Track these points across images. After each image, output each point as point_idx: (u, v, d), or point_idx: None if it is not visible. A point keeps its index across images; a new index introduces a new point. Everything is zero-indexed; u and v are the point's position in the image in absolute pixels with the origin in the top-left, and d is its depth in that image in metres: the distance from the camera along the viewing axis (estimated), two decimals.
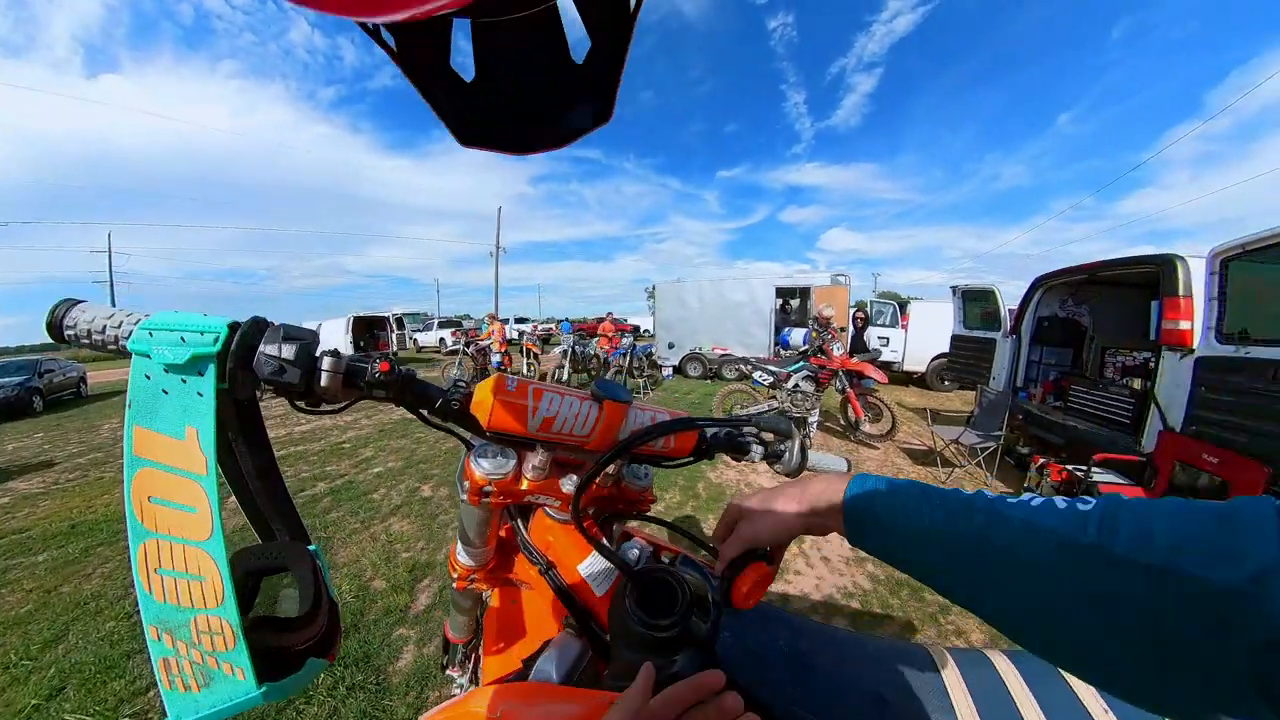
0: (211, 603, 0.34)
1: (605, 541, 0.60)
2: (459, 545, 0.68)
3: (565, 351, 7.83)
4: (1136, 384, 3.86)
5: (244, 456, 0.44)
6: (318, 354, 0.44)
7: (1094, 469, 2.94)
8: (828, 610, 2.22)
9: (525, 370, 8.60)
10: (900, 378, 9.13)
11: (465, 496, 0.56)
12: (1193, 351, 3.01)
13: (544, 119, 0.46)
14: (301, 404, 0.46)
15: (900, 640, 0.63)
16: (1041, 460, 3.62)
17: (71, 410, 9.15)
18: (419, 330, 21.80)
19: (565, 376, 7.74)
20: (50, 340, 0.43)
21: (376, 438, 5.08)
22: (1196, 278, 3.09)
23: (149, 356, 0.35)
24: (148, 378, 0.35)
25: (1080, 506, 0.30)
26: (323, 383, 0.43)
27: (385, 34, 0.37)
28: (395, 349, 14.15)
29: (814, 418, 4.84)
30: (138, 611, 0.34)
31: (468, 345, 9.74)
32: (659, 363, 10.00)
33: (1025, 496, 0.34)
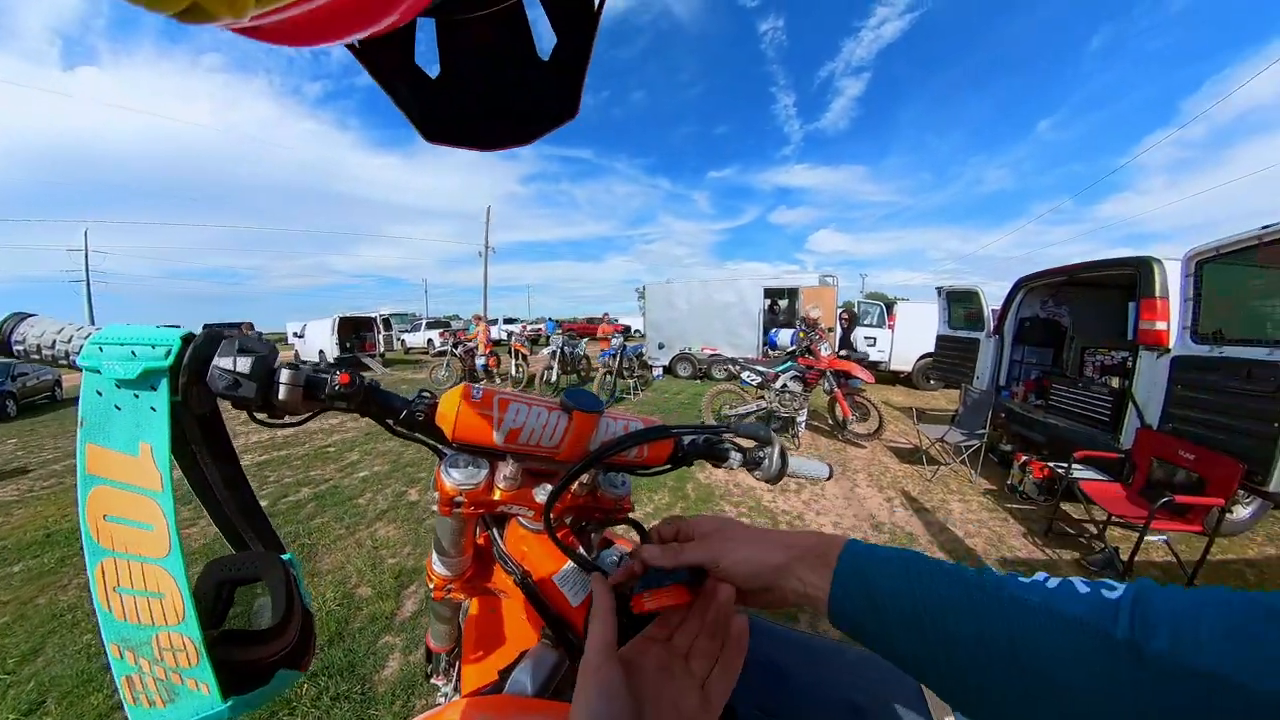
0: (172, 619, 0.33)
1: (582, 550, 0.59)
2: (435, 555, 0.67)
3: (554, 352, 7.80)
4: (1115, 383, 3.95)
5: (210, 468, 0.43)
6: (276, 365, 0.43)
7: (1075, 466, 3.00)
8: (812, 614, 2.24)
9: (514, 371, 8.55)
10: (887, 377, 9.25)
11: (436, 507, 0.55)
12: (1169, 351, 3.09)
13: (509, 115, 0.45)
14: (262, 417, 0.45)
15: None
16: (1024, 458, 3.69)
17: (46, 415, 8.89)
18: (407, 331, 21.54)
19: (554, 378, 7.71)
20: None
21: (362, 441, 5.00)
22: (1172, 279, 3.17)
23: (99, 372, 0.34)
24: (99, 394, 0.34)
25: (1106, 593, 0.27)
26: (280, 396, 0.42)
27: None
28: (382, 350, 13.95)
29: (802, 417, 4.89)
30: (98, 629, 0.33)
31: (455, 346, 9.66)
32: (649, 363, 10.02)
33: (1039, 576, 0.30)
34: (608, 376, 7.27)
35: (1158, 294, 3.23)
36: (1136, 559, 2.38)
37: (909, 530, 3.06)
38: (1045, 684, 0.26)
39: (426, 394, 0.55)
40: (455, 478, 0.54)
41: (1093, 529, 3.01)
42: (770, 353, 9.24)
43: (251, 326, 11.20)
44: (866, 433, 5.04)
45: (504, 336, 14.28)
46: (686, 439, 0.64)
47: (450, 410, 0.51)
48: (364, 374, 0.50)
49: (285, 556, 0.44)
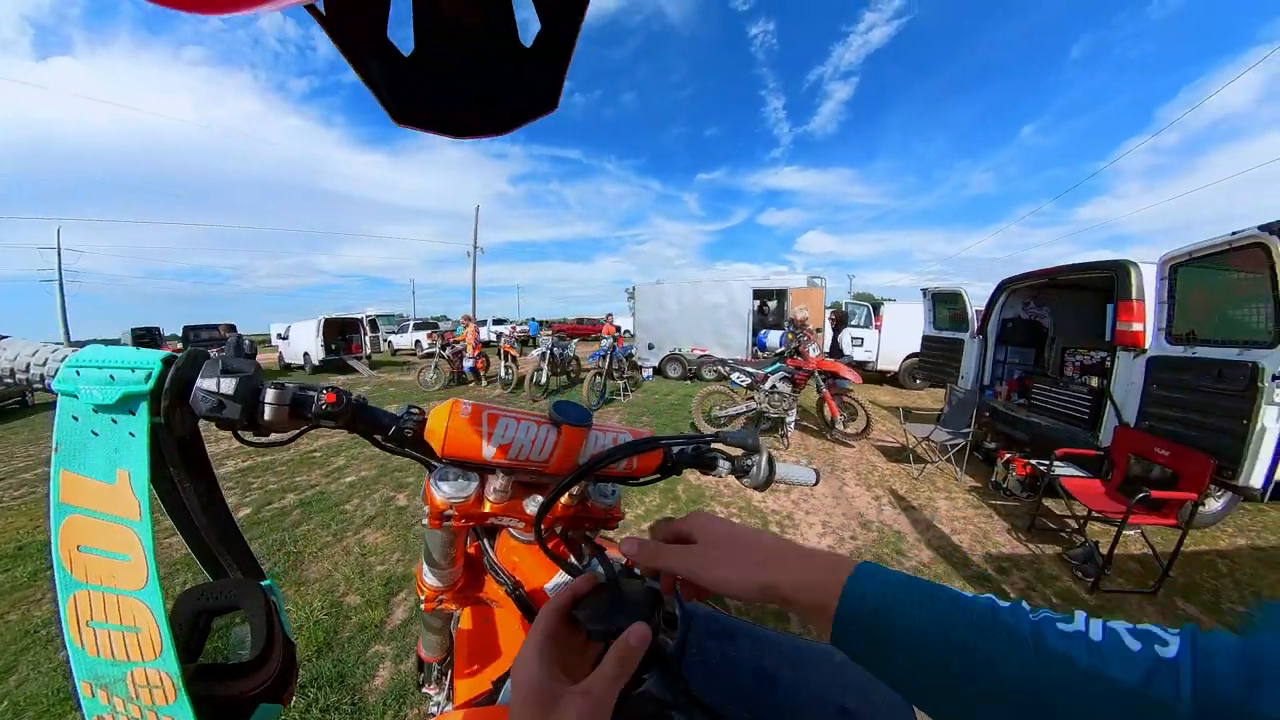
0: (149, 655, 0.31)
1: (572, 559, 0.59)
2: (425, 567, 0.66)
3: (544, 354, 7.75)
4: (1094, 382, 4.05)
5: (187, 492, 0.42)
6: (261, 385, 0.42)
7: (1056, 463, 3.07)
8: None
9: (503, 373, 8.48)
10: (874, 377, 9.36)
11: (426, 521, 0.55)
12: (1145, 351, 3.18)
13: (487, 101, 0.42)
14: (248, 436, 0.44)
15: None
16: (1008, 455, 3.77)
17: (16, 421, 8.59)
18: (394, 332, 21.25)
19: (544, 379, 7.67)
20: None
21: (349, 446, 4.92)
22: (1148, 282, 3.27)
23: (76, 396, 0.33)
24: (75, 419, 0.33)
25: (1160, 650, 0.24)
26: (267, 416, 0.41)
27: None
28: (368, 352, 13.74)
29: (791, 418, 4.92)
30: (68, 665, 0.31)
31: (444, 348, 9.56)
32: (639, 364, 10.02)
33: (1079, 620, 0.26)
34: (597, 378, 7.24)
35: (1134, 296, 3.32)
36: (1115, 552, 2.44)
37: (897, 528, 3.10)
38: None
39: (415, 410, 0.54)
40: (445, 491, 0.53)
41: (1074, 524, 3.08)
42: (759, 354, 9.31)
43: (232, 328, 10.96)
44: (854, 432, 5.10)
45: (493, 337, 14.17)
46: (675, 448, 0.64)
47: (439, 426, 0.51)
48: (351, 391, 0.49)
49: (265, 583, 0.43)
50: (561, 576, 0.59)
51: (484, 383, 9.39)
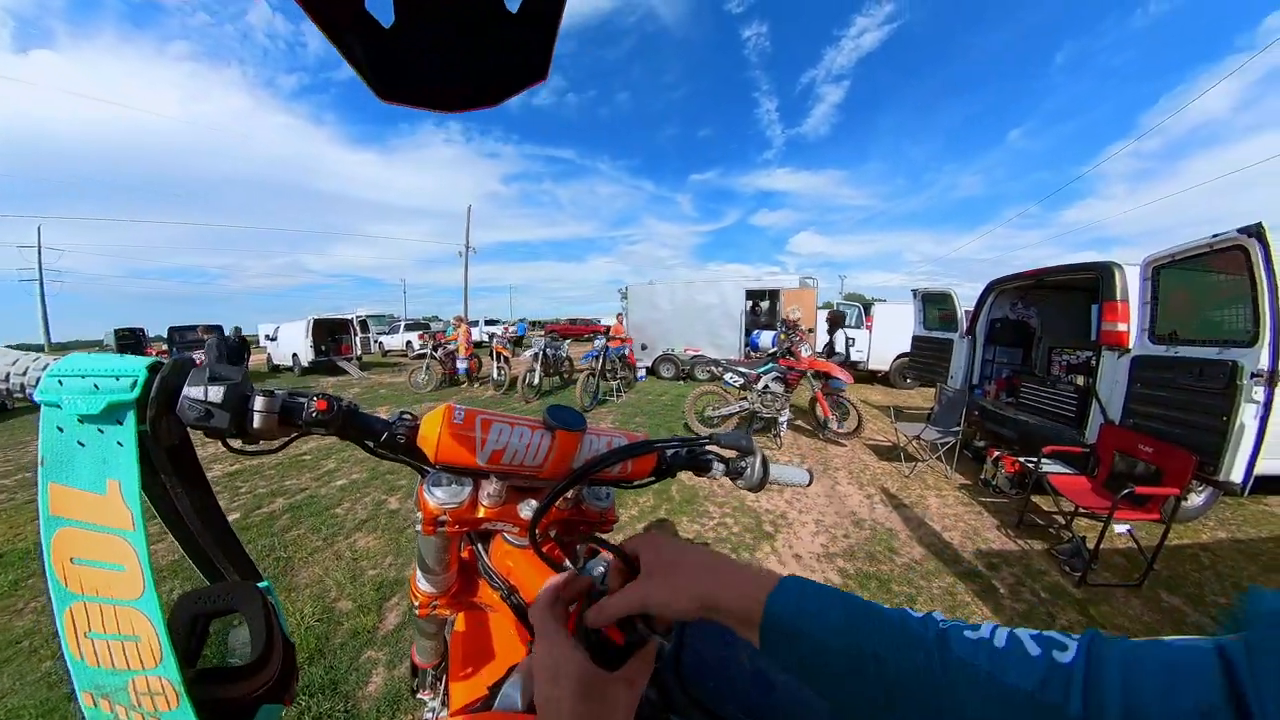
0: (149, 663, 0.31)
1: (569, 562, 0.59)
2: (418, 572, 0.66)
3: (536, 355, 7.72)
4: (1080, 381, 4.12)
5: (180, 498, 0.41)
6: (250, 393, 0.41)
7: (1044, 460, 3.12)
8: None
9: (495, 374, 8.43)
10: (865, 376, 9.45)
11: (420, 527, 0.55)
12: (1129, 351, 3.24)
13: (473, 73, 0.40)
14: (236, 444, 0.43)
15: None
16: (996, 453, 3.83)
17: None
18: (384, 333, 21.05)
19: (537, 380, 7.63)
20: None
21: (340, 448, 4.86)
22: (1132, 283, 3.33)
23: (60, 407, 0.32)
24: (60, 430, 0.32)
25: (1058, 655, 0.25)
26: (256, 424, 0.41)
27: None
28: (359, 353, 13.59)
29: (784, 418, 4.95)
30: (68, 677, 0.31)
31: (435, 349, 9.49)
32: (630, 364, 10.03)
33: (986, 629, 0.28)
34: (590, 378, 7.23)
35: (1119, 297, 3.38)
36: (1101, 547, 2.49)
37: (889, 526, 3.13)
38: None
39: (408, 416, 0.54)
40: (439, 497, 0.53)
41: (1061, 520, 3.13)
42: (752, 354, 9.35)
43: (211, 329, 10.67)
44: (846, 432, 5.14)
45: (485, 338, 14.08)
46: (669, 451, 0.64)
47: (432, 433, 0.51)
48: (342, 397, 0.49)
49: (262, 585, 0.43)
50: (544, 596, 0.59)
51: (476, 384, 9.32)
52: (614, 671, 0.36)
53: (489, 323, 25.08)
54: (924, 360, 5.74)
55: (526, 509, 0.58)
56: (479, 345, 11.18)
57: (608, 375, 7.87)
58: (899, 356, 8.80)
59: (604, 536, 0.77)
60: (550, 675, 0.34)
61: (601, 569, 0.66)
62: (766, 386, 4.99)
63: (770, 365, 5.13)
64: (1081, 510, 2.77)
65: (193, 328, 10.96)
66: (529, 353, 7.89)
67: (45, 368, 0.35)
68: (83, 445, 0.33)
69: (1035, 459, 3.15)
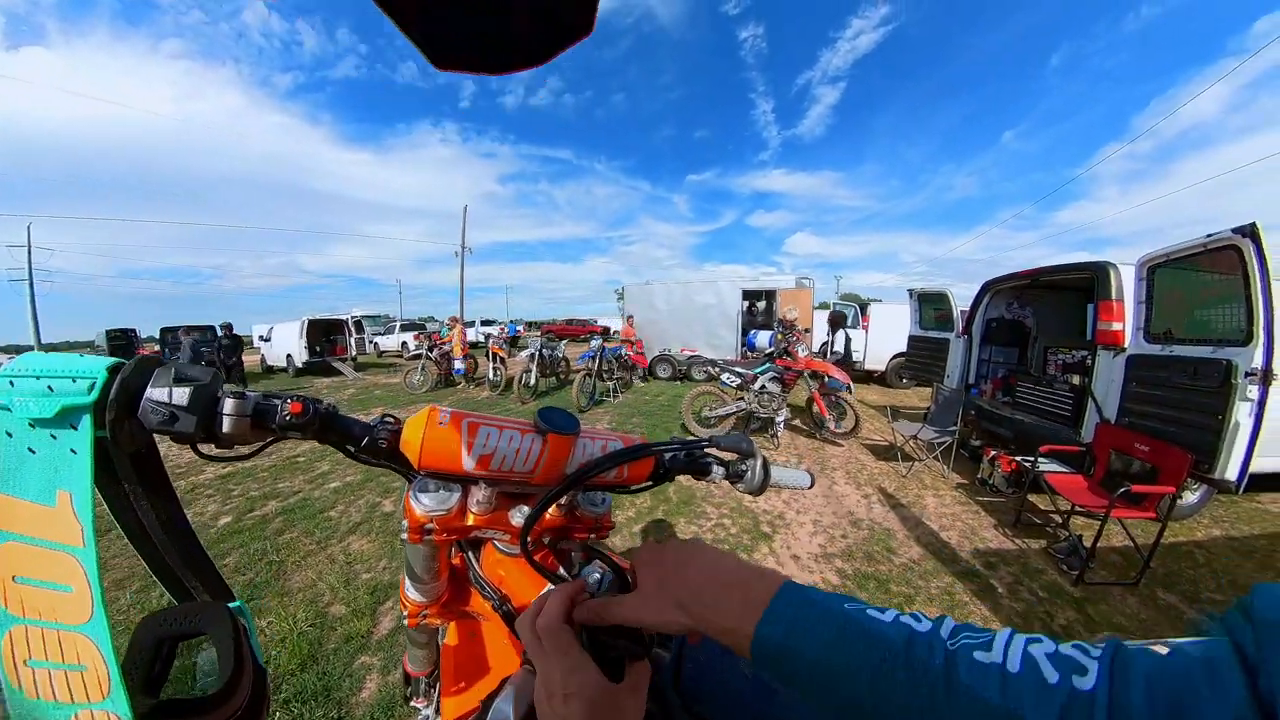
0: (95, 695, 0.29)
1: (563, 570, 0.57)
2: (407, 581, 0.64)
3: (532, 355, 7.69)
4: (1076, 380, 4.13)
5: (145, 511, 0.38)
6: (219, 395, 0.39)
7: (1040, 459, 3.12)
8: None
9: (491, 375, 8.39)
10: (861, 376, 9.47)
11: (405, 535, 0.52)
12: (1124, 350, 3.25)
13: (523, 32, 0.40)
14: (210, 449, 0.41)
15: None
16: (993, 452, 3.83)
17: None
18: (380, 333, 20.93)
19: (533, 381, 7.60)
20: None
21: (333, 450, 4.80)
22: (1127, 283, 3.34)
23: (10, 410, 0.30)
24: (9, 435, 0.30)
25: (1079, 684, 0.23)
26: (225, 429, 0.39)
27: None
28: (354, 354, 13.51)
29: (781, 418, 4.95)
30: (3, 709, 0.28)
31: (431, 350, 9.43)
32: (629, 365, 10.01)
33: (998, 647, 0.26)
34: (587, 379, 7.20)
35: (1114, 297, 3.39)
36: (1098, 545, 2.49)
37: (887, 526, 3.12)
38: None
39: (390, 419, 0.52)
40: (425, 503, 0.51)
41: (1058, 518, 3.13)
42: (749, 354, 9.35)
43: (188, 332, 10.50)
44: (843, 431, 5.14)
45: (482, 339, 14.02)
46: (667, 455, 0.62)
47: (415, 437, 0.48)
48: (320, 399, 0.46)
49: (234, 605, 0.41)
50: (549, 589, 0.57)
51: (472, 385, 9.28)
52: (620, 682, 0.35)
53: (485, 323, 25.00)
54: (920, 360, 5.75)
55: (518, 516, 0.56)
56: (475, 346, 11.12)
57: (604, 376, 7.84)
58: (895, 356, 8.82)
59: (602, 542, 0.75)
60: (560, 693, 0.32)
61: (598, 575, 0.64)
62: (763, 387, 4.99)
63: (767, 365, 5.13)
64: (1078, 509, 2.77)
65: (193, 328, 10.83)
66: (525, 353, 7.86)
67: None
68: (32, 452, 0.30)
69: (1032, 458, 3.15)
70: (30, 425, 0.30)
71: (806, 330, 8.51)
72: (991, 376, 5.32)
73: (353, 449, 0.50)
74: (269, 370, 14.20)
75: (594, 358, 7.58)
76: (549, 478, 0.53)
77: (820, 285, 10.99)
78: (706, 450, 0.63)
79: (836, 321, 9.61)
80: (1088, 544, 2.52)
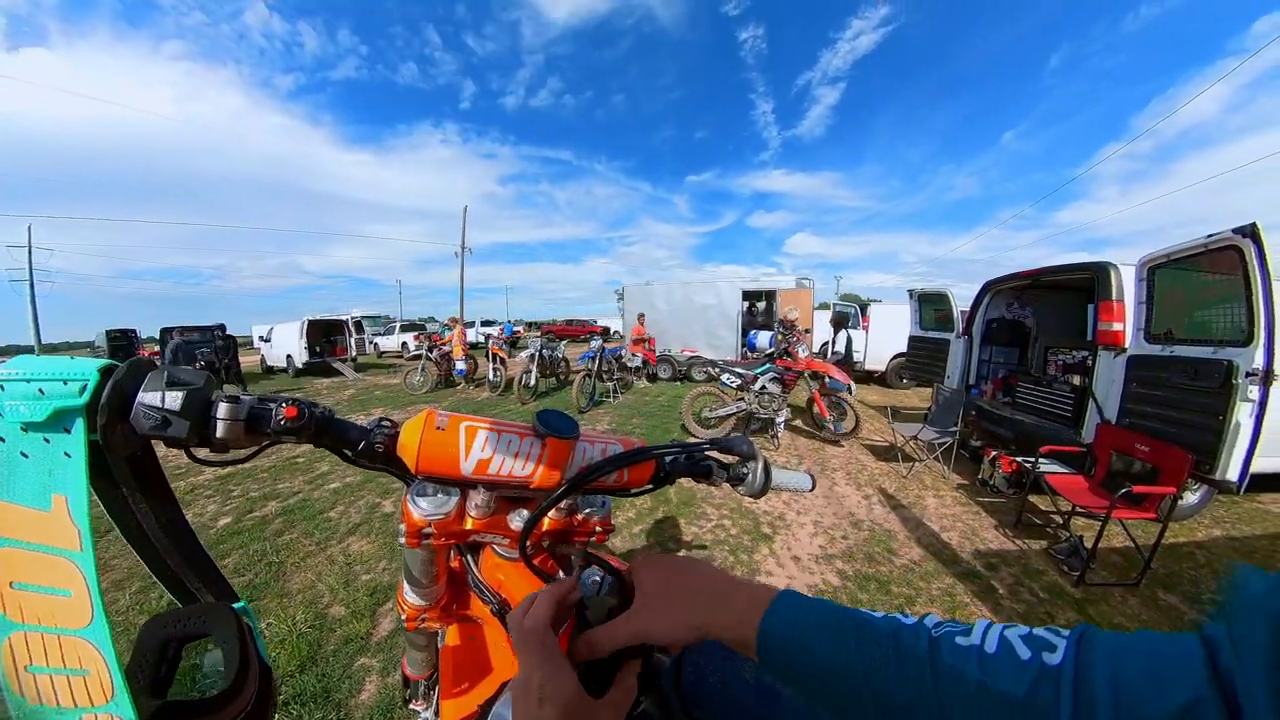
0: (99, 699, 0.28)
1: (562, 574, 0.57)
2: (405, 585, 0.63)
3: (532, 355, 7.68)
4: (1076, 380, 4.13)
5: (144, 513, 0.38)
6: (213, 398, 0.38)
7: (1041, 460, 3.11)
8: None
9: (491, 375, 8.39)
10: (861, 376, 9.46)
11: (403, 540, 0.52)
12: (1125, 350, 3.25)
13: None
14: (204, 454, 0.40)
15: None
16: (994, 453, 3.82)
17: None
18: (380, 334, 20.93)
19: (533, 381, 7.60)
20: None
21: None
22: (1128, 283, 3.34)
23: (1, 414, 0.30)
24: (1, 439, 0.30)
25: (1048, 659, 0.26)
26: (219, 433, 0.38)
27: None
28: (354, 354, 13.50)
29: (781, 418, 4.94)
30: (5, 716, 0.28)
31: (431, 350, 9.43)
32: (628, 365, 10.00)
33: (977, 632, 0.28)
34: (587, 379, 7.20)
35: (1114, 297, 3.39)
36: (1099, 546, 2.48)
37: (887, 527, 3.12)
38: None
39: (387, 423, 0.51)
40: (423, 507, 0.51)
41: (1059, 519, 3.13)
42: (749, 354, 9.34)
43: (180, 333, 10.41)
44: (843, 432, 5.14)
45: (482, 339, 14.03)
46: (668, 458, 0.62)
47: (412, 441, 0.48)
48: (316, 403, 0.46)
49: (238, 605, 0.40)
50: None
51: (472, 385, 9.28)
52: (602, 697, 0.35)
53: (485, 323, 25.02)
54: (920, 360, 5.75)
55: (517, 520, 0.55)
56: (475, 346, 11.11)
57: (604, 376, 7.84)
58: (895, 357, 8.82)
59: (602, 545, 0.75)
60: (535, 696, 0.32)
61: (596, 578, 0.64)
62: (764, 387, 4.98)
63: (767, 366, 5.12)
64: (1079, 509, 2.76)
65: (194, 328, 10.80)
66: (525, 354, 7.86)
67: None
68: (26, 456, 0.30)
69: (1032, 459, 3.15)
70: (22, 429, 0.30)
71: (807, 331, 8.52)
72: (992, 377, 5.32)
73: (349, 453, 0.50)
74: (269, 371, 14.20)
75: (594, 358, 7.57)
76: (548, 482, 0.52)
77: (820, 285, 10.99)
78: (707, 453, 0.63)
79: (840, 322, 9.61)
80: (1089, 545, 2.51)
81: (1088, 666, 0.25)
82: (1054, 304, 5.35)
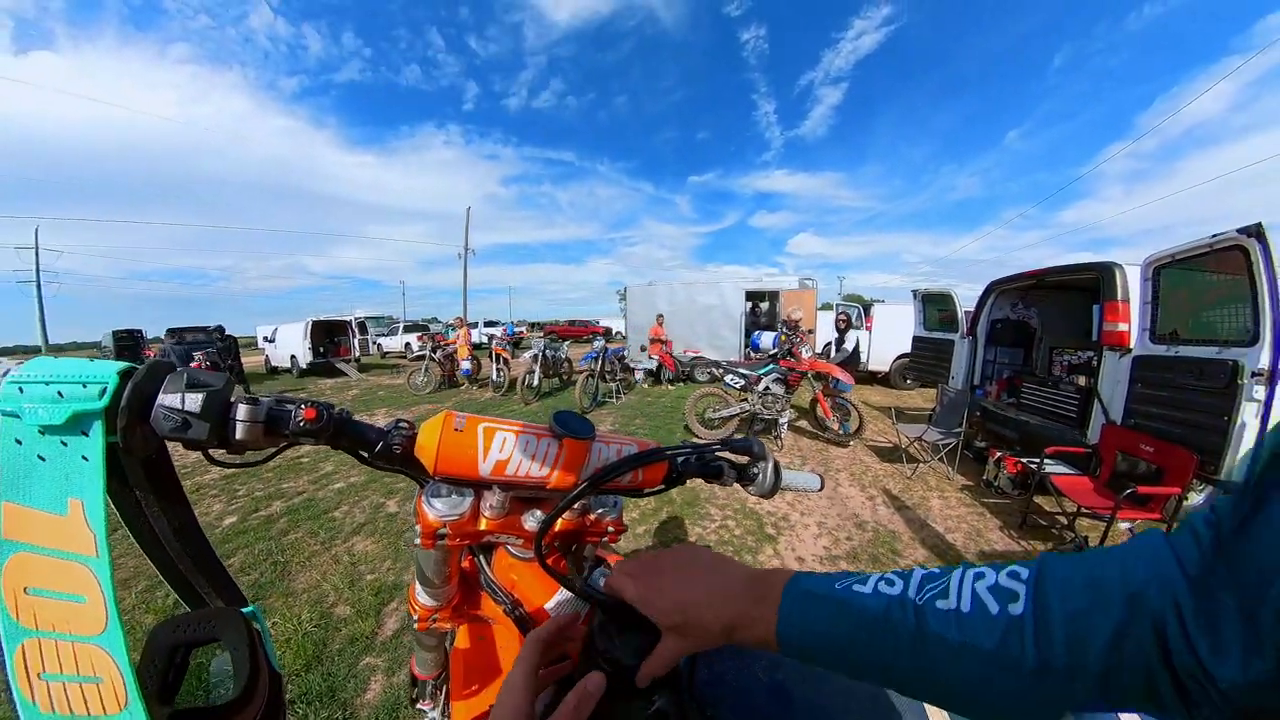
0: (113, 707, 0.28)
1: (572, 575, 0.57)
2: (417, 585, 0.64)
3: (536, 356, 7.69)
4: (1081, 381, 4.11)
5: (157, 517, 0.38)
6: (232, 400, 0.39)
7: (1046, 461, 3.10)
8: None
9: (495, 376, 8.40)
10: (865, 377, 9.43)
11: (419, 541, 0.52)
12: (1130, 351, 3.23)
13: None
14: (220, 455, 0.41)
15: None
16: (998, 454, 3.81)
17: None
18: (383, 335, 21.00)
19: (536, 382, 7.61)
20: None
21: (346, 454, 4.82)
22: (1133, 283, 3.32)
23: (19, 417, 0.29)
24: (18, 442, 0.30)
25: (1012, 610, 0.29)
26: (239, 435, 0.38)
27: None
28: (357, 355, 13.55)
29: (784, 419, 4.93)
30: None
31: (434, 351, 9.46)
32: (631, 365, 9.99)
33: (953, 593, 0.31)
34: (590, 380, 7.20)
35: (1120, 297, 3.37)
36: (1104, 546, 2.47)
37: (892, 528, 3.11)
38: (983, 704, 0.29)
39: (404, 424, 0.52)
40: (438, 508, 0.51)
41: (1064, 520, 3.11)
42: (752, 355, 9.32)
43: (178, 336, 10.45)
44: (848, 433, 5.12)
45: (485, 340, 14.05)
46: (680, 458, 0.63)
47: (431, 442, 0.48)
48: (334, 404, 0.46)
49: (247, 610, 0.41)
50: (563, 594, 0.57)
51: (475, 386, 9.29)
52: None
53: (488, 324, 25.08)
54: (925, 361, 5.73)
55: (531, 520, 0.56)
56: (478, 347, 11.14)
57: (606, 377, 7.84)
58: (899, 357, 8.78)
59: (611, 546, 0.75)
60: (497, 701, 0.36)
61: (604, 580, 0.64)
62: (767, 388, 4.97)
63: (771, 366, 5.11)
64: (1084, 510, 2.75)
65: (198, 329, 10.85)
66: (529, 354, 7.87)
67: (5, 374, 0.32)
68: (43, 460, 0.30)
69: (1037, 459, 3.13)
70: (40, 432, 0.30)
71: (810, 331, 8.49)
72: (996, 377, 5.29)
73: (366, 455, 0.50)
74: (273, 371, 14.26)
75: (597, 358, 7.57)
76: (564, 482, 0.53)
77: (823, 286, 10.96)
78: (718, 454, 0.63)
79: (848, 322, 9.56)
80: (1094, 545, 2.50)
81: (1044, 610, 0.28)
82: (1059, 304, 5.32)
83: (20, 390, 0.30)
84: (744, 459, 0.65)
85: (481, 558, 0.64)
